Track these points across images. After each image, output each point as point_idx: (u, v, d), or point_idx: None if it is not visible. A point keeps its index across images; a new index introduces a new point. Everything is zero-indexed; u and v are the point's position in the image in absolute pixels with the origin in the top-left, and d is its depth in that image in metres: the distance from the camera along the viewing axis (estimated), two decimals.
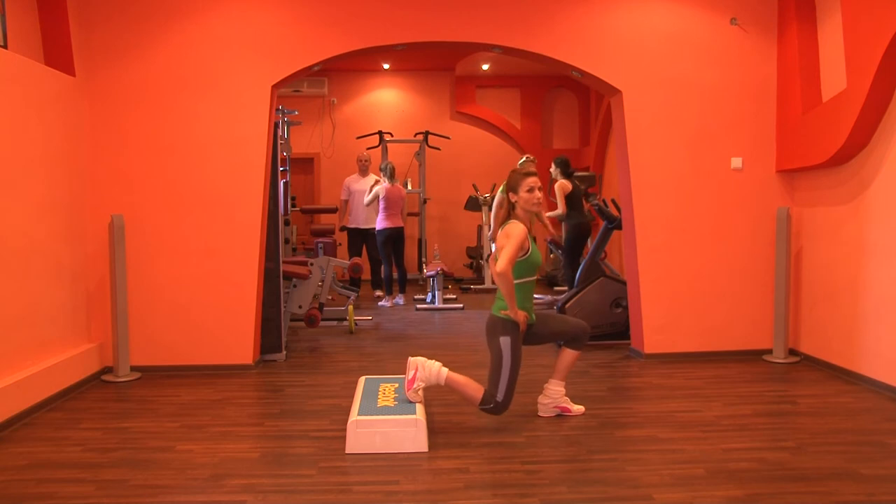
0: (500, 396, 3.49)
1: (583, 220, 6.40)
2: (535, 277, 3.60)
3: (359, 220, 8.34)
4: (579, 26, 5.03)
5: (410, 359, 3.59)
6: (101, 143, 4.79)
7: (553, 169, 6.63)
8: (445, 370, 3.52)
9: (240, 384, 4.54)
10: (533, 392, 3.90)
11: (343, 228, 8.53)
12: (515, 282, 3.45)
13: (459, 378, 3.53)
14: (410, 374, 3.52)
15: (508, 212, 3.57)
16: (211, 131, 4.85)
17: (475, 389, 3.52)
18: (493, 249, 6.19)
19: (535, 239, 3.66)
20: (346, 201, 8.50)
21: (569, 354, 3.71)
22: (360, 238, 8.35)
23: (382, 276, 8.10)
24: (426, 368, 3.51)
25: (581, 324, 3.72)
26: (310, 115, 10.04)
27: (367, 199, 7.86)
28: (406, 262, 10.37)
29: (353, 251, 8.36)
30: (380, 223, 7.80)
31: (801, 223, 5.12)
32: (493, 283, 8.56)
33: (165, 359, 4.83)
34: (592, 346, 5.56)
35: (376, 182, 8.04)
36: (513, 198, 3.54)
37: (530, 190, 3.50)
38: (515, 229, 3.45)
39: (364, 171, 8.49)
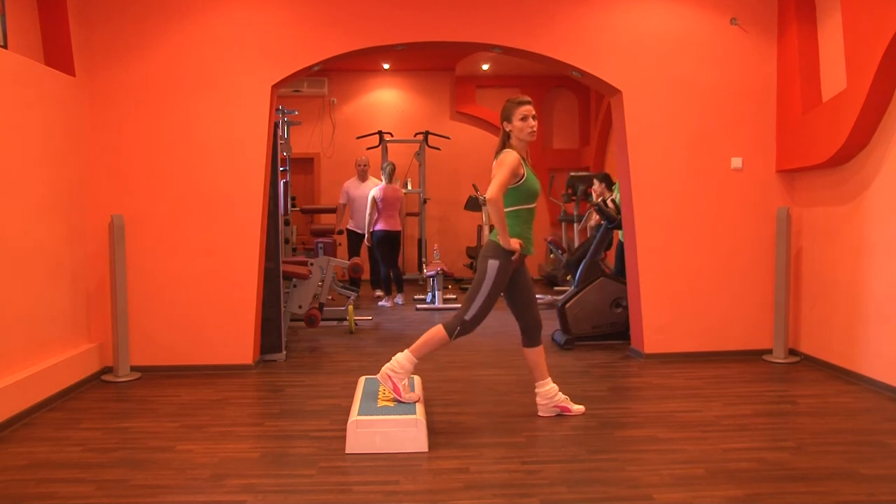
0: (469, 315, 3.48)
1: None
2: (533, 205, 3.56)
3: (361, 224, 8.31)
4: (579, 26, 5.03)
5: (378, 376, 3.57)
6: (101, 143, 4.79)
7: (597, 185, 6.92)
8: (406, 351, 3.51)
9: (240, 384, 4.54)
10: (533, 392, 3.90)
11: (341, 231, 8.47)
12: (512, 208, 3.45)
13: (420, 340, 3.52)
14: (389, 385, 3.50)
15: (503, 142, 3.56)
16: (211, 131, 4.85)
17: (435, 332, 3.50)
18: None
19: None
20: (345, 205, 8.42)
21: (532, 353, 3.70)
22: (359, 240, 8.32)
23: (381, 276, 8.10)
24: (395, 368, 3.49)
25: (538, 318, 3.69)
26: (310, 115, 10.03)
27: (368, 210, 7.80)
28: (406, 263, 10.42)
29: (353, 252, 8.34)
30: (376, 224, 7.76)
31: (801, 223, 5.12)
32: None
33: (165, 359, 4.83)
34: (592, 346, 5.56)
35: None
36: (507, 127, 3.54)
37: (524, 118, 3.49)
38: (508, 157, 3.44)
39: (363, 176, 8.36)
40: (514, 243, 3.45)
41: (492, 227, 3.57)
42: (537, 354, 3.70)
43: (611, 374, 4.75)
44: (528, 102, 3.52)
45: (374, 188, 7.85)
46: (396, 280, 8.03)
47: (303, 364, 5.12)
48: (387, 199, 7.68)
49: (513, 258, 3.48)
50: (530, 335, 3.70)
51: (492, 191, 3.36)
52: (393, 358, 3.54)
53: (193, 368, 4.83)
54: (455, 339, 3.52)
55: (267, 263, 5.09)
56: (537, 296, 3.73)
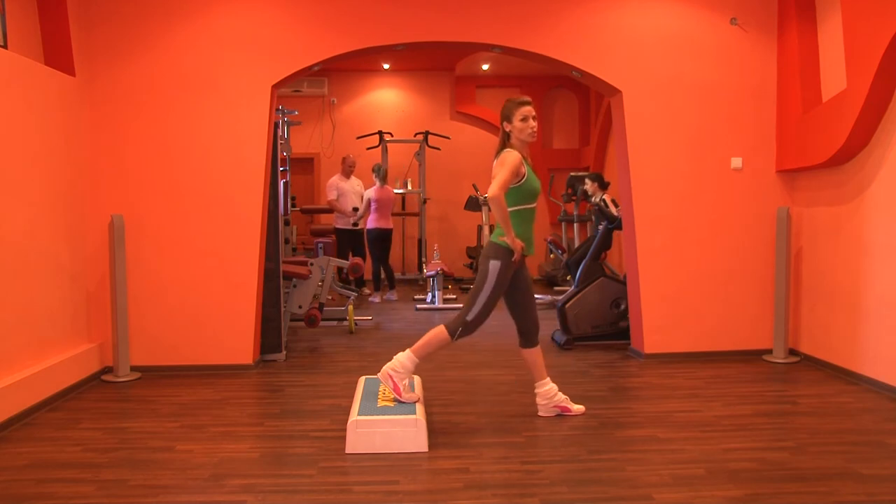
0: (471, 316, 3.48)
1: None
2: (533, 205, 3.56)
3: (349, 221, 8.38)
4: (579, 26, 5.03)
5: (378, 375, 3.57)
6: (100, 143, 4.79)
7: (589, 185, 7.00)
8: (407, 351, 3.51)
9: (240, 384, 4.54)
10: (532, 392, 3.90)
11: (356, 209, 8.29)
12: (513, 208, 3.45)
13: (421, 340, 3.52)
14: (390, 384, 3.50)
15: (503, 142, 3.56)
16: (211, 131, 4.85)
17: (437, 333, 3.51)
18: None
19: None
20: (334, 200, 8.37)
21: (531, 353, 3.70)
22: (348, 239, 8.34)
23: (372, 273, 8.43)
24: (396, 367, 3.49)
25: (536, 320, 3.70)
26: (310, 115, 10.04)
27: (361, 210, 8.12)
28: (406, 263, 10.45)
29: (342, 253, 8.32)
30: (371, 223, 8.08)
31: (801, 223, 5.12)
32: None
33: (165, 359, 4.83)
34: (592, 346, 5.56)
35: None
36: (507, 127, 3.54)
37: (524, 119, 3.49)
38: (510, 157, 3.44)
39: (349, 173, 8.43)
40: (518, 244, 3.46)
41: (492, 228, 3.57)
42: (535, 355, 3.71)
43: (611, 374, 4.75)
44: (528, 103, 3.52)
45: (368, 189, 8.14)
46: (388, 277, 8.34)
47: (303, 364, 5.12)
48: (382, 200, 8.07)
49: (514, 258, 3.48)
50: (528, 337, 3.70)
51: (493, 189, 3.36)
52: (394, 357, 3.54)
53: (193, 368, 4.84)
54: (457, 340, 3.52)
55: (267, 263, 5.09)
56: (537, 296, 3.73)
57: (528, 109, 3.49)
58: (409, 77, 10.42)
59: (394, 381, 3.48)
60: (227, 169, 4.86)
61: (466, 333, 3.52)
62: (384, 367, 3.53)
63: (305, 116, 9.67)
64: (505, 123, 3.55)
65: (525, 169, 3.48)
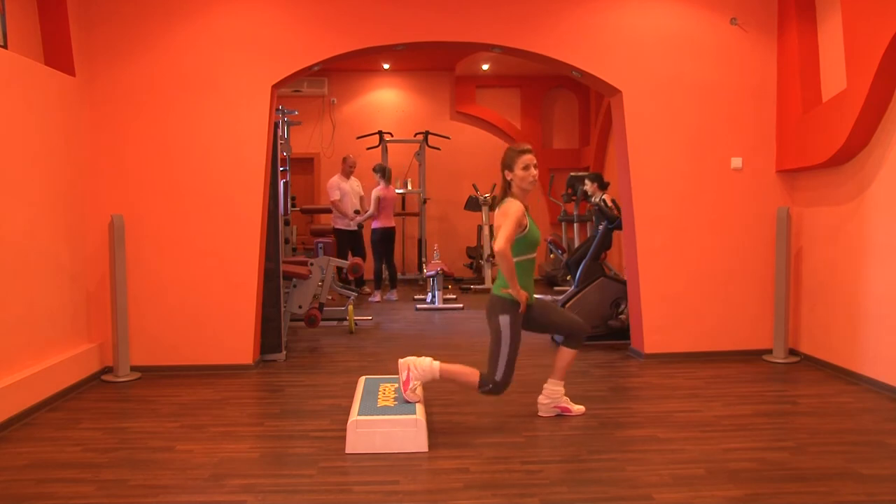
0: (498, 376, 3.49)
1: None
2: (534, 255, 3.58)
3: (351, 222, 8.39)
4: (579, 26, 5.03)
5: (400, 360, 3.58)
6: (100, 143, 4.79)
7: (589, 185, 7.03)
8: (437, 363, 3.51)
9: (240, 384, 4.54)
10: (533, 392, 3.90)
11: (357, 211, 8.32)
12: (514, 259, 3.44)
13: (453, 367, 3.53)
14: (403, 375, 3.52)
15: (505, 190, 3.57)
16: (211, 131, 4.85)
17: (470, 374, 3.52)
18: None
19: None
20: (338, 201, 8.32)
21: (566, 353, 3.70)
22: (348, 239, 8.35)
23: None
24: (418, 367, 3.50)
25: (580, 322, 3.71)
26: (310, 115, 10.04)
27: (371, 210, 8.08)
28: (406, 263, 10.45)
29: (342, 253, 8.32)
30: (376, 222, 8.11)
31: (801, 223, 5.12)
32: (493, 282, 8.61)
33: (165, 359, 4.83)
34: (592, 346, 5.56)
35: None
36: (508, 175, 3.54)
37: (526, 167, 3.49)
38: (512, 207, 3.44)
39: (348, 174, 8.41)
40: (523, 295, 3.45)
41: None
42: (568, 355, 3.70)
43: (611, 374, 4.75)
44: (529, 151, 3.53)
45: (376, 189, 8.11)
46: (391, 276, 8.35)
47: (303, 364, 5.12)
48: (387, 199, 8.10)
49: (520, 310, 3.48)
50: (574, 338, 3.69)
51: (499, 243, 3.35)
52: (423, 357, 3.55)
53: (193, 368, 4.84)
54: (482, 394, 3.54)
55: (267, 263, 5.09)
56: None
57: (529, 158, 3.50)
58: (409, 77, 10.42)
59: (408, 376, 3.50)
60: (227, 169, 4.86)
61: (496, 393, 3.53)
62: (409, 358, 3.55)
63: (305, 116, 9.67)
64: (506, 172, 3.54)
65: (527, 220, 3.49)
